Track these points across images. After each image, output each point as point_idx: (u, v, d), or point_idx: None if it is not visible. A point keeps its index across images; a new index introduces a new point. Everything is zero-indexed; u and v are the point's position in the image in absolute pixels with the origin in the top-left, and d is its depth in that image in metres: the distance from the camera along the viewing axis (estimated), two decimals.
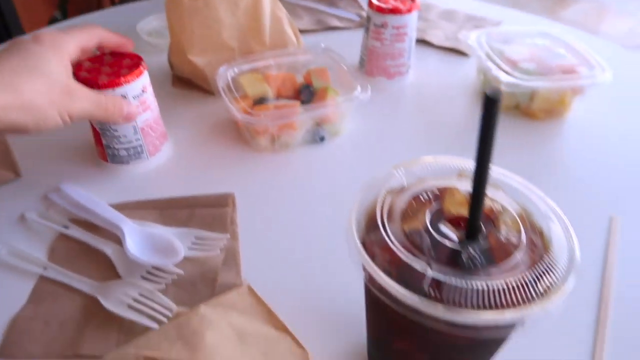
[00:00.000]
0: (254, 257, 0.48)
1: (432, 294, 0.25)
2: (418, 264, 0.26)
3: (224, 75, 0.61)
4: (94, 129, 0.54)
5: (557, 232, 0.28)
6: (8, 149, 0.54)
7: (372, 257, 0.27)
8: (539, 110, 0.64)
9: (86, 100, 0.47)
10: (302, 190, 0.56)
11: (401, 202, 0.30)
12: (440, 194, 0.31)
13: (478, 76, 0.71)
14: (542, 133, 0.64)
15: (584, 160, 0.60)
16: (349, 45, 0.76)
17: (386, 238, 0.27)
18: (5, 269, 0.46)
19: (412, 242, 0.27)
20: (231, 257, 0.48)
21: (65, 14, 1.62)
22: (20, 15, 1.39)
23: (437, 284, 0.25)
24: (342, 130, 0.63)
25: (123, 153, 0.55)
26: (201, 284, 0.45)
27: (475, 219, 0.27)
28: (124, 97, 0.51)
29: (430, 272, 0.25)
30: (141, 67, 0.52)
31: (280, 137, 0.59)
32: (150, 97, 0.55)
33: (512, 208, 0.30)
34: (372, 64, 0.71)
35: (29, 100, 0.42)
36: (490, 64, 0.63)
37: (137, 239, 0.47)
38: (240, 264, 0.47)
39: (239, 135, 0.63)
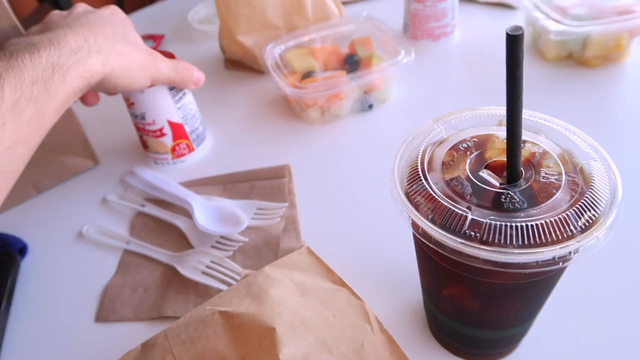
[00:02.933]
0: (312, 223, 0.51)
1: (473, 235, 0.26)
2: (459, 209, 0.27)
3: (271, 53, 0.64)
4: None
5: (599, 170, 0.28)
6: (86, 139, 0.60)
7: (416, 207, 0.29)
8: (593, 57, 0.61)
9: (166, 66, 0.50)
10: (353, 157, 0.58)
11: (441, 153, 0.31)
12: (481, 143, 0.32)
13: (527, 29, 0.69)
14: (599, 81, 0.62)
15: None
16: (392, 11, 0.76)
17: (427, 187, 0.29)
18: (95, 246, 0.52)
19: (454, 190, 0.29)
20: (291, 223, 0.51)
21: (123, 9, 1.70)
22: None
23: (477, 226, 0.26)
24: (389, 96, 0.64)
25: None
26: (265, 250, 0.48)
27: (514, 161, 0.28)
28: (170, 89, 0.55)
29: (470, 215, 0.27)
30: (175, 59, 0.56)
31: (329, 108, 0.61)
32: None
33: (554, 151, 0.30)
34: (415, 27, 0.71)
35: (127, 63, 0.44)
36: (538, 14, 0.61)
37: (205, 212, 0.51)
38: (299, 229, 0.50)
39: (290, 110, 0.65)
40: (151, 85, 0.51)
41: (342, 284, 0.36)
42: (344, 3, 0.74)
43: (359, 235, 0.49)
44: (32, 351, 0.44)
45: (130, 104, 0.56)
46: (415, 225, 0.29)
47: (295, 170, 0.57)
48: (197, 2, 0.91)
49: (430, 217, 0.28)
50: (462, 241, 0.26)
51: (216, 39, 0.76)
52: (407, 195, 0.30)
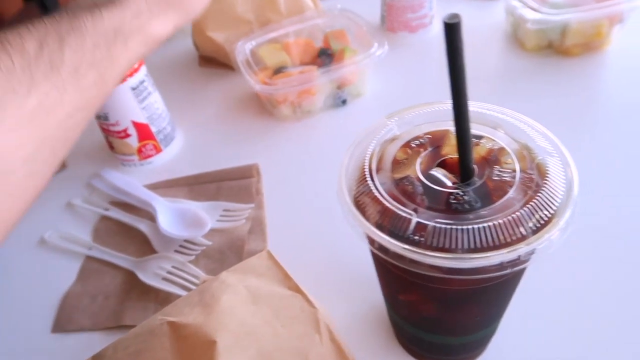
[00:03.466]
0: (280, 223, 0.49)
1: (417, 240, 0.24)
2: (403, 211, 0.25)
3: (242, 49, 0.62)
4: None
5: (555, 166, 0.27)
6: None
7: (363, 210, 0.27)
8: (573, 46, 0.59)
9: None
10: (325, 154, 0.56)
11: (393, 151, 0.29)
12: (436, 139, 0.30)
13: (507, 19, 0.67)
14: (579, 70, 0.60)
15: (628, 96, 0.56)
16: (369, 3, 0.74)
17: (373, 188, 0.27)
18: (56, 251, 0.50)
19: (403, 190, 0.27)
20: (257, 225, 0.49)
21: None
22: None
23: (422, 229, 0.25)
24: (364, 91, 0.62)
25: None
26: (230, 253, 0.46)
27: (465, 158, 0.26)
28: (133, 88, 0.53)
29: (415, 218, 0.25)
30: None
31: (300, 104, 0.59)
32: (150, 84, 0.56)
33: (511, 147, 0.28)
34: (392, 19, 0.69)
35: (189, 15, 0.42)
36: (516, 3, 0.59)
37: (169, 215, 0.50)
38: (266, 231, 0.49)
39: (263, 107, 0.63)
40: None
41: (297, 290, 0.35)
42: None
43: (327, 236, 0.47)
44: None
45: None
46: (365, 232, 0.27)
47: (265, 169, 0.55)
48: None
49: (377, 220, 0.26)
50: (405, 246, 0.24)
51: (190, 36, 0.74)
52: (355, 198, 0.28)
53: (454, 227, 0.24)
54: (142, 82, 0.54)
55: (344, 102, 0.60)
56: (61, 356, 0.41)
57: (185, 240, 0.48)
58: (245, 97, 0.66)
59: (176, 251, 0.47)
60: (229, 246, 0.47)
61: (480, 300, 0.29)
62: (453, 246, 0.24)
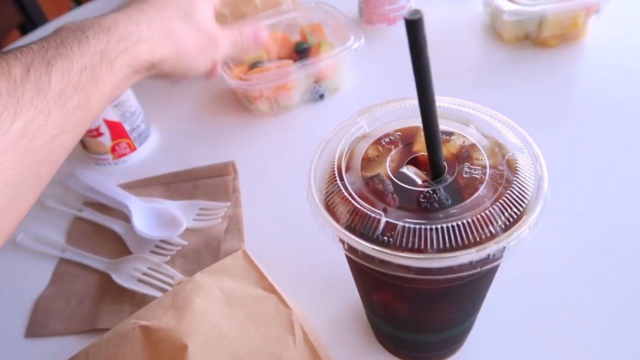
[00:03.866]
0: (257, 221, 0.48)
1: (386, 240, 0.24)
2: (372, 211, 0.25)
3: None
4: None
5: (525, 162, 0.26)
6: None
7: (332, 210, 0.27)
8: (550, 37, 0.59)
9: (227, 43, 0.46)
10: (302, 150, 0.55)
11: (362, 149, 0.29)
12: (407, 136, 0.29)
13: (485, 10, 0.66)
14: (557, 61, 0.60)
15: (606, 87, 0.56)
16: None
17: (342, 188, 0.27)
18: (29, 254, 0.49)
19: (374, 189, 0.27)
20: (234, 223, 0.48)
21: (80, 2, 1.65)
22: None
23: (392, 229, 0.24)
24: (341, 85, 0.61)
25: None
26: (206, 253, 0.46)
27: (434, 155, 0.26)
28: None
29: (384, 218, 0.25)
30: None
31: (277, 99, 0.58)
32: None
33: (482, 143, 0.28)
34: (370, 12, 0.68)
35: (182, 49, 0.41)
36: None
37: (144, 215, 0.49)
38: (243, 229, 0.48)
39: (239, 103, 0.63)
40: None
41: (272, 291, 0.34)
42: None
43: (304, 234, 0.46)
44: None
45: None
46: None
47: (242, 166, 0.54)
48: None
49: (347, 221, 0.26)
50: (375, 247, 0.24)
51: None
52: (325, 198, 0.27)
53: (423, 226, 0.24)
54: None
55: (321, 96, 0.60)
56: (35, 356, 0.40)
57: (161, 241, 0.47)
58: (222, 93, 0.65)
59: (152, 252, 0.46)
60: (205, 246, 0.46)
61: (454, 299, 0.29)
62: (423, 246, 0.24)
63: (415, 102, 0.30)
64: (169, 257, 0.45)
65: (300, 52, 0.60)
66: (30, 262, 0.49)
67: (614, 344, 0.35)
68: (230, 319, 0.32)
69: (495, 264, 0.24)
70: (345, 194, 0.26)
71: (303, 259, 0.44)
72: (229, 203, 0.49)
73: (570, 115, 0.54)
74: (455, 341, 0.35)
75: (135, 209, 0.49)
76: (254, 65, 0.59)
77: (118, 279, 0.44)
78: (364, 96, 0.61)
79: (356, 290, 0.35)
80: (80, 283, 0.46)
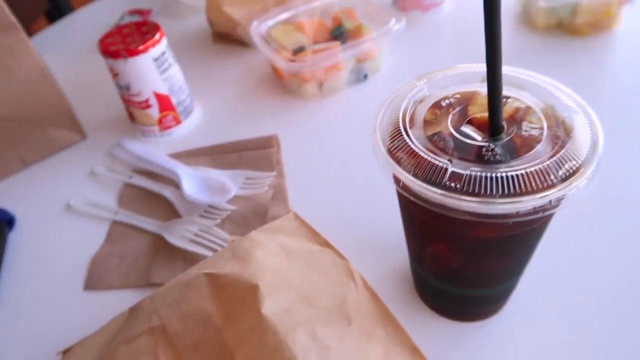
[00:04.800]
0: (301, 192, 0.51)
1: (454, 187, 0.26)
2: (439, 161, 0.27)
3: (257, 30, 0.63)
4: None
5: (580, 122, 0.28)
6: (72, 112, 0.59)
7: (398, 162, 0.29)
8: (584, 24, 0.61)
9: None
10: (347, 127, 0.57)
11: (423, 110, 0.31)
12: (464, 99, 0.31)
13: None
14: (589, 50, 0.62)
15: (636, 76, 0.57)
16: None
17: (409, 142, 0.29)
18: (83, 217, 0.52)
19: (436, 145, 0.29)
20: (279, 192, 0.51)
21: None
22: None
23: (458, 177, 0.26)
24: (382, 66, 0.63)
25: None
26: (253, 218, 0.48)
27: (495, 114, 0.28)
28: (155, 59, 0.54)
29: (451, 167, 0.27)
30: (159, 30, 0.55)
31: (327, 80, 0.60)
32: (171, 55, 0.57)
33: (537, 106, 0.30)
34: None
35: None
36: None
37: (193, 182, 0.51)
38: (287, 198, 0.50)
39: (281, 87, 0.65)
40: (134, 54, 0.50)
41: (327, 245, 0.36)
42: None
43: (347, 202, 0.49)
44: (23, 320, 0.44)
45: (114, 75, 0.55)
46: (396, 180, 0.29)
47: (285, 143, 0.56)
48: None
49: (412, 171, 0.28)
50: (442, 192, 0.26)
51: (203, 13, 0.75)
52: (389, 151, 0.30)
53: (487, 174, 0.26)
54: (163, 53, 0.55)
55: (365, 76, 0.62)
56: (96, 311, 0.43)
57: (209, 206, 0.49)
58: (261, 74, 0.68)
59: (200, 216, 0.49)
60: (252, 212, 0.49)
61: (507, 250, 0.31)
62: (487, 192, 0.26)
63: (471, 68, 0.32)
64: (218, 221, 0.48)
65: (339, 36, 0.62)
66: (84, 224, 0.51)
67: None
68: (291, 267, 0.34)
69: (552, 211, 0.26)
70: (412, 146, 0.28)
71: (346, 223, 0.46)
72: (274, 173, 0.52)
73: (601, 104, 0.55)
74: (499, 300, 0.37)
75: (184, 176, 0.51)
76: (298, 50, 0.61)
77: (171, 238, 0.47)
78: (403, 76, 0.62)
79: (399, 250, 0.37)
80: (133, 243, 0.48)
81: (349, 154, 0.54)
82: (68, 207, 0.53)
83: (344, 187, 0.50)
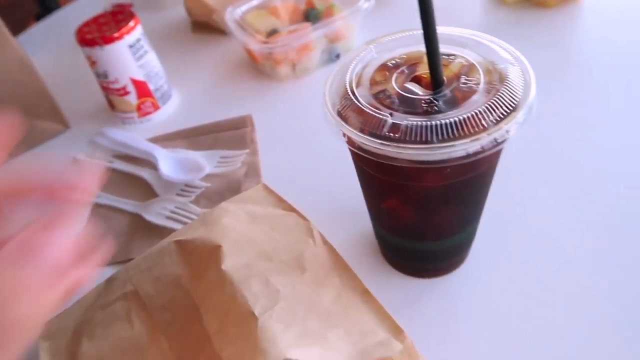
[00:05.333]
0: (274, 169, 0.52)
1: (393, 136, 0.28)
2: (381, 114, 0.29)
3: (231, 16, 0.64)
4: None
5: (515, 72, 0.30)
6: (55, 103, 0.61)
7: (346, 120, 0.30)
8: None
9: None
10: (317, 108, 0.58)
11: (371, 71, 0.32)
12: (410, 60, 0.33)
13: None
14: (556, 21, 0.63)
15: (605, 48, 0.58)
16: None
17: (355, 101, 0.30)
18: None
19: (381, 102, 0.30)
20: (252, 169, 0.52)
21: None
22: None
23: (397, 128, 0.28)
24: (353, 45, 0.65)
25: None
26: (227, 194, 0.50)
27: (435, 71, 0.29)
28: (130, 46, 0.55)
29: (390, 119, 0.28)
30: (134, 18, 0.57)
31: (299, 60, 0.61)
32: (146, 43, 0.59)
33: (478, 62, 0.32)
34: None
35: None
36: None
37: (169, 163, 0.53)
38: (260, 174, 0.52)
39: (257, 70, 0.66)
40: None
41: (292, 209, 0.38)
42: None
43: (319, 176, 0.50)
44: None
45: (92, 63, 0.56)
46: (348, 139, 0.30)
47: (260, 123, 0.58)
48: None
49: (358, 128, 0.29)
50: (382, 142, 0.28)
51: (182, 4, 0.77)
52: (338, 112, 0.31)
53: (424, 123, 0.27)
54: (138, 40, 0.57)
55: (337, 56, 0.63)
56: None
57: (185, 185, 0.51)
58: (238, 61, 0.69)
59: (177, 195, 0.50)
60: (227, 188, 0.50)
61: (453, 199, 0.33)
62: (424, 139, 0.27)
63: (418, 31, 0.34)
64: (193, 197, 0.49)
65: (312, 17, 0.63)
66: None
67: (614, 268, 0.38)
68: (255, 229, 0.35)
69: (485, 154, 0.28)
70: (357, 104, 0.30)
71: (316, 197, 0.48)
72: (247, 150, 0.53)
73: (568, 74, 0.57)
74: (457, 252, 0.38)
75: (161, 157, 0.53)
76: (271, 32, 0.62)
77: (148, 216, 0.48)
78: None
79: (367, 219, 0.39)
80: (113, 223, 0.50)
81: (320, 130, 0.55)
82: None
83: (315, 162, 0.52)
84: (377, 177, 0.32)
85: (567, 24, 0.63)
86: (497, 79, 0.30)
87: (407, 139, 0.27)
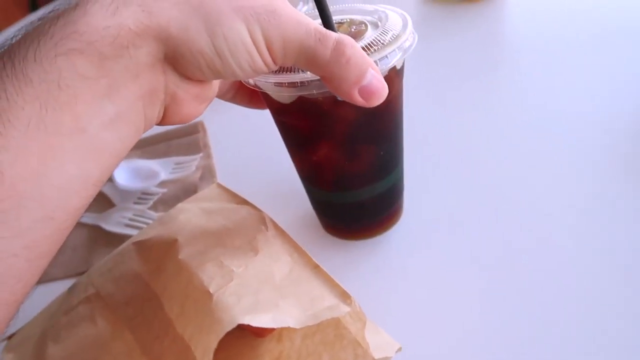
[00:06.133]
0: (230, 170, 0.54)
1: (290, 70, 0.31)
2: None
3: None
4: None
5: (394, 17, 0.33)
6: None
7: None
8: None
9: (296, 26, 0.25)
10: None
11: None
12: None
13: None
14: (481, 15, 0.67)
15: (528, 36, 0.62)
16: None
17: None
18: None
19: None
20: (208, 172, 0.54)
21: None
22: None
23: (289, 69, 0.31)
24: None
25: None
26: (184, 197, 0.51)
27: (327, 22, 0.31)
28: None
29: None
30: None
31: None
32: None
33: (368, 20, 0.35)
34: None
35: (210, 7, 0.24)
36: None
37: (124, 172, 0.54)
38: (216, 176, 0.54)
39: None
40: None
41: (244, 202, 0.39)
42: None
43: (270, 169, 0.52)
44: None
45: None
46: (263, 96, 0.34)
47: (213, 128, 0.60)
48: None
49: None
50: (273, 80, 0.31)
51: None
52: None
53: None
54: None
55: None
56: (42, 300, 0.44)
57: (142, 193, 0.52)
58: None
59: (135, 203, 0.52)
60: (183, 192, 0.52)
61: (371, 133, 0.35)
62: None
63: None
64: (150, 204, 0.51)
65: None
66: None
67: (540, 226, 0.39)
68: (210, 222, 0.37)
69: None
70: None
71: (268, 188, 0.49)
72: (201, 154, 0.55)
73: (494, 64, 0.59)
74: (387, 203, 0.40)
75: (117, 168, 0.54)
76: None
77: (107, 226, 0.49)
78: None
79: (307, 202, 0.41)
80: (71, 236, 0.50)
81: (270, 129, 0.57)
82: None
83: (268, 160, 0.53)
84: (298, 127, 0.34)
85: (493, 15, 0.67)
86: (382, 30, 0.33)
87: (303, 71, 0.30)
